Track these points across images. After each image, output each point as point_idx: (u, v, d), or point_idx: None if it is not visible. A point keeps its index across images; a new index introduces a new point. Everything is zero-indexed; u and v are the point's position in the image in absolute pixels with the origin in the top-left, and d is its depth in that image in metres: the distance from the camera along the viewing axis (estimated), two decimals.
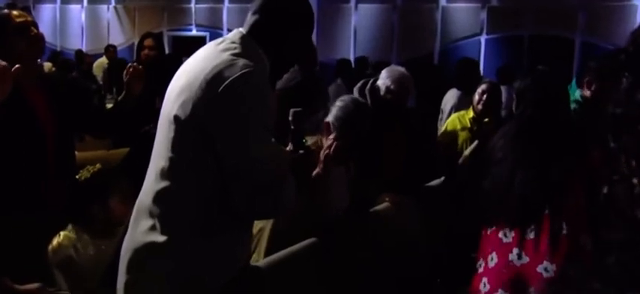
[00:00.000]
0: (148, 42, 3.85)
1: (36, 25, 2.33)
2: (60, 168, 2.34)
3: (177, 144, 1.55)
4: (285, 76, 1.97)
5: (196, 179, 1.56)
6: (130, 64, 2.63)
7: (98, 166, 2.24)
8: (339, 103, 2.44)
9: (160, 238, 1.56)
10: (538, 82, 2.23)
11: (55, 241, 2.11)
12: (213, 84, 1.50)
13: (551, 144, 2.03)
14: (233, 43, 1.60)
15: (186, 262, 1.57)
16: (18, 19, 2.26)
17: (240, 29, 1.66)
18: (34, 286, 1.88)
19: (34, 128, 2.30)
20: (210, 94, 1.49)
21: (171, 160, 1.56)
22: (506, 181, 2.01)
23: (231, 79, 1.48)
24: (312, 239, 2.27)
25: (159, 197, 1.58)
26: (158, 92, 3.15)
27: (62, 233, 2.13)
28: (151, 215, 1.59)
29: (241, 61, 1.52)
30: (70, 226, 2.16)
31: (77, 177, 2.17)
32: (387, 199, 2.86)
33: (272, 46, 1.63)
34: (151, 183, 1.62)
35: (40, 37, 2.32)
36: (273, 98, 1.60)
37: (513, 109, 2.34)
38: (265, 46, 1.62)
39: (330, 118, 2.39)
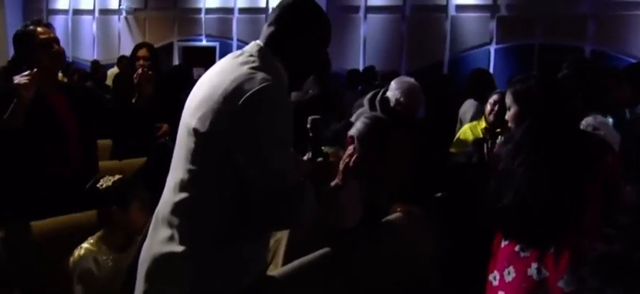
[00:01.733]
0: (142, 52, 3.94)
1: (58, 41, 2.63)
2: (83, 166, 2.54)
3: (197, 156, 1.58)
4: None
5: (215, 191, 1.58)
6: (139, 69, 2.93)
7: (118, 176, 2.29)
8: (365, 120, 2.43)
9: (178, 248, 1.58)
10: (544, 88, 2.21)
11: (76, 253, 2.15)
12: (232, 97, 1.52)
13: (561, 151, 2.00)
14: (251, 56, 1.63)
15: (203, 273, 1.59)
16: (42, 36, 2.54)
17: (258, 41, 1.68)
18: None
19: (57, 128, 2.56)
20: (229, 108, 1.52)
21: (190, 171, 1.59)
22: (521, 195, 1.97)
23: (250, 92, 1.51)
24: (325, 249, 2.28)
25: (177, 208, 1.60)
26: (159, 101, 3.31)
27: (83, 245, 2.17)
28: (170, 225, 1.61)
29: (260, 75, 1.55)
30: (90, 239, 2.20)
31: (98, 186, 2.22)
32: (398, 209, 2.86)
33: (288, 56, 1.66)
34: (170, 193, 1.64)
35: (61, 52, 2.63)
36: (291, 110, 1.62)
37: (509, 116, 2.31)
38: (281, 57, 1.65)
39: (353, 132, 2.40)
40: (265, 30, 1.69)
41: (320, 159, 1.76)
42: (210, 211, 1.59)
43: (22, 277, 2.27)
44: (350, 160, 2.04)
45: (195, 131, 1.57)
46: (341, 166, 2.06)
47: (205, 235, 1.59)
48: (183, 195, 1.59)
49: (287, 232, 2.19)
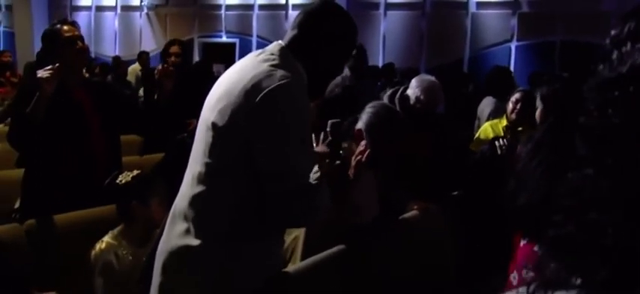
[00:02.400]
0: (174, 49, 4.01)
1: (82, 39, 2.71)
2: (105, 162, 2.60)
3: (214, 150, 1.60)
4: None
5: (232, 185, 1.60)
6: (160, 65, 2.99)
7: (137, 171, 2.33)
8: (369, 110, 2.46)
9: (194, 241, 1.61)
10: (565, 88, 2.21)
11: (97, 247, 2.19)
12: (251, 93, 1.54)
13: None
14: (272, 54, 1.65)
15: (218, 267, 1.61)
16: (67, 34, 2.62)
17: (280, 42, 1.71)
18: None
19: (81, 123, 2.62)
20: (248, 103, 1.54)
21: (207, 165, 1.61)
22: (539, 194, 1.97)
23: (269, 88, 1.53)
24: (340, 246, 2.29)
25: (194, 201, 1.63)
26: (184, 97, 3.36)
27: (104, 239, 2.21)
28: (186, 219, 1.63)
29: (279, 72, 1.57)
30: (110, 233, 2.24)
31: (118, 181, 2.27)
32: (415, 206, 2.87)
33: (309, 61, 1.67)
34: (187, 187, 1.66)
35: (85, 49, 2.71)
36: (310, 109, 1.64)
37: (537, 116, 2.31)
38: (303, 61, 1.67)
39: (360, 125, 2.42)
40: (289, 32, 1.71)
41: (338, 162, 1.78)
42: (227, 205, 1.61)
43: (43, 269, 2.33)
44: (362, 155, 2.06)
45: (214, 125, 1.59)
46: (353, 161, 2.07)
47: (221, 230, 1.61)
48: (200, 189, 1.62)
49: (304, 229, 2.20)
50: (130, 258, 2.20)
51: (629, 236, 0.44)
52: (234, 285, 1.63)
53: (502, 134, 3.60)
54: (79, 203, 2.50)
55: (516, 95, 3.60)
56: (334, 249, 2.27)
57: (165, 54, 4.06)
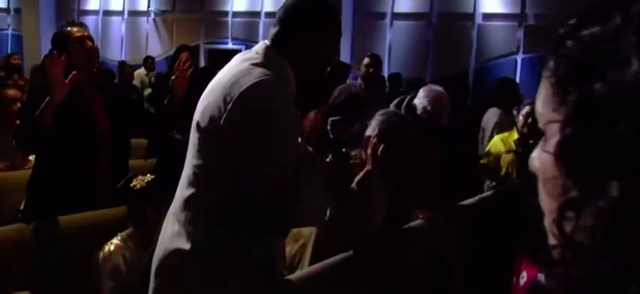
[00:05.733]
0: (184, 56, 4.01)
1: (92, 39, 2.73)
2: (113, 165, 2.59)
3: (199, 150, 1.60)
4: (333, 93, 2.00)
5: (219, 186, 1.59)
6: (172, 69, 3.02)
7: (151, 176, 2.32)
8: (380, 117, 2.45)
9: (185, 245, 1.59)
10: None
11: (106, 249, 2.18)
12: (228, 92, 1.55)
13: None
14: (256, 53, 1.65)
15: (209, 271, 1.59)
16: (76, 34, 2.63)
17: (265, 41, 1.69)
18: None
19: (90, 125, 2.62)
20: (225, 102, 1.54)
21: (194, 166, 1.61)
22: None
23: (245, 86, 1.53)
24: (345, 254, 2.28)
25: (185, 204, 1.62)
26: (191, 102, 3.36)
27: (113, 241, 2.20)
28: (178, 222, 1.62)
29: (257, 71, 1.56)
30: (119, 235, 2.24)
31: (131, 185, 2.26)
32: (421, 216, 2.86)
33: (294, 56, 1.65)
34: (180, 190, 1.66)
35: (95, 49, 2.72)
36: (290, 108, 1.61)
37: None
38: (288, 56, 1.65)
39: (370, 132, 2.41)
40: (271, 30, 1.70)
41: (341, 160, 1.76)
42: (216, 207, 1.59)
43: (48, 270, 2.32)
44: (378, 147, 2.03)
45: (198, 125, 1.60)
46: (369, 151, 2.06)
47: (210, 233, 1.59)
48: (190, 191, 1.61)
49: (313, 236, 2.19)
50: (137, 261, 2.19)
51: None
52: (228, 290, 1.61)
53: (513, 147, 3.59)
54: (85, 205, 2.50)
55: (526, 109, 3.59)
56: (338, 257, 2.25)
57: (175, 60, 4.08)
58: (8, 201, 2.98)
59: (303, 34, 1.65)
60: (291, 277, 2.06)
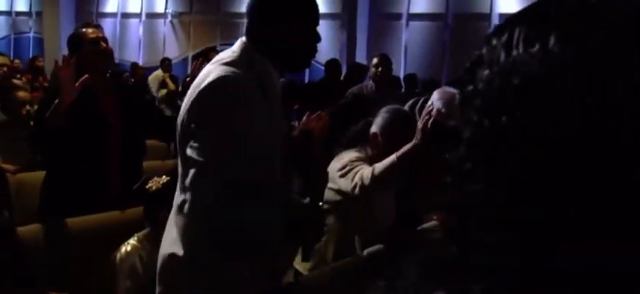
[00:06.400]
0: (212, 54, 4.06)
1: (106, 41, 2.73)
2: (126, 167, 2.59)
3: (181, 149, 1.60)
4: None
5: (206, 189, 1.55)
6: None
7: (166, 178, 2.31)
8: (384, 113, 2.45)
9: (180, 250, 1.59)
10: None
11: (123, 249, 2.19)
12: (194, 89, 1.56)
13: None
14: (232, 52, 1.64)
15: (205, 278, 1.58)
16: (91, 36, 2.64)
17: (243, 37, 1.68)
18: None
19: (103, 127, 2.62)
20: (191, 98, 1.56)
21: (181, 167, 1.62)
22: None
23: (205, 83, 1.53)
24: (354, 256, 2.27)
25: (179, 208, 1.62)
26: None
27: (130, 242, 2.21)
28: (175, 225, 1.63)
29: (221, 69, 1.55)
30: (135, 236, 2.25)
31: (147, 187, 2.26)
32: (434, 217, 2.83)
33: (266, 45, 1.63)
34: (176, 193, 1.67)
35: (110, 51, 2.73)
36: (261, 103, 1.58)
37: None
38: (261, 47, 1.63)
39: (375, 129, 2.40)
40: (245, 25, 1.69)
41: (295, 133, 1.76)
42: (206, 210, 1.55)
43: (61, 270, 2.34)
44: (429, 119, 2.01)
45: (180, 124, 1.61)
46: (420, 125, 2.05)
47: (202, 237, 1.57)
48: (183, 196, 1.60)
49: (335, 234, 2.17)
50: (153, 261, 2.19)
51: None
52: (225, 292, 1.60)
53: None
54: (92, 205, 2.51)
55: None
56: (349, 259, 2.25)
57: (204, 60, 4.13)
58: (27, 201, 3.02)
59: (271, 24, 1.63)
60: (300, 280, 2.06)
